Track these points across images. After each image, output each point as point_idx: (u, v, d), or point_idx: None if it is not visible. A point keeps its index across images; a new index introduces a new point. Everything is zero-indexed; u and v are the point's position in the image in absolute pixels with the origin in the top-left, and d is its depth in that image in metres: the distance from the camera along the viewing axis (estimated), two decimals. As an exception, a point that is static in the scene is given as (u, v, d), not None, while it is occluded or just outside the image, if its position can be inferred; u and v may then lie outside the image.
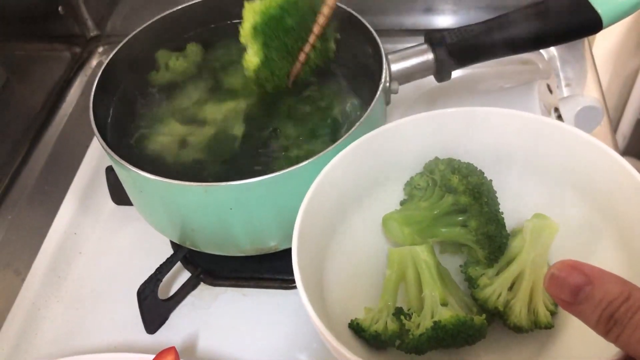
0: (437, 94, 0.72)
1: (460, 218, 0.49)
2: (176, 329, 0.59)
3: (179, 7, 0.65)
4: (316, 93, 0.59)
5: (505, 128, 0.51)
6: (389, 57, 0.58)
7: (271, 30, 0.50)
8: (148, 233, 0.63)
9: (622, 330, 0.29)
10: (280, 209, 0.52)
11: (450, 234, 0.50)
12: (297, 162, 0.48)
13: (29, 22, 0.82)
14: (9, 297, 0.64)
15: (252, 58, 0.52)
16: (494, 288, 0.47)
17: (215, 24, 0.68)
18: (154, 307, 0.59)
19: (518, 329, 0.46)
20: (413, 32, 0.83)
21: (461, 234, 0.49)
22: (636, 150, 1.25)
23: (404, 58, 0.58)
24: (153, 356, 0.52)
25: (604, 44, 1.07)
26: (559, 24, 0.56)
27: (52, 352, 0.59)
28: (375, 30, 0.58)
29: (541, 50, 0.79)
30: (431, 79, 0.61)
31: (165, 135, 0.59)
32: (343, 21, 0.58)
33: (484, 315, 0.45)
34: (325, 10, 0.51)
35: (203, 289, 0.62)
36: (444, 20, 0.85)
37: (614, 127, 1.23)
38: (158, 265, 0.59)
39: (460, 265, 0.51)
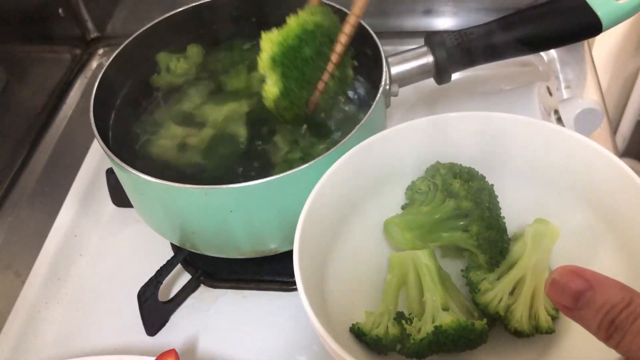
0: (437, 97, 0.72)
1: (461, 223, 0.50)
2: (176, 331, 0.59)
3: (180, 9, 0.65)
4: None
5: (506, 132, 0.51)
6: (389, 59, 0.58)
7: (289, 60, 0.50)
8: (148, 235, 0.63)
9: (623, 336, 0.29)
10: (280, 211, 0.52)
11: (451, 239, 0.50)
12: (298, 165, 0.48)
13: (30, 23, 0.82)
14: (9, 298, 0.64)
15: (271, 88, 0.51)
16: (495, 293, 0.47)
17: (216, 26, 0.68)
18: (155, 309, 0.59)
19: (519, 334, 0.46)
20: (413, 34, 0.83)
21: (462, 238, 0.49)
22: (636, 152, 1.25)
23: (404, 61, 0.58)
24: (153, 358, 0.52)
25: (604, 46, 1.07)
26: (559, 27, 0.56)
27: (52, 354, 0.59)
28: (375, 33, 0.58)
29: (541, 53, 0.80)
30: (431, 81, 0.61)
31: (166, 138, 0.59)
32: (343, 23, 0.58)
33: (485, 320, 0.45)
34: (343, 39, 0.51)
35: (203, 291, 0.62)
36: (444, 22, 0.85)
37: (614, 129, 1.23)
38: (158, 268, 0.59)
39: (462, 270, 0.51)
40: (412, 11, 0.84)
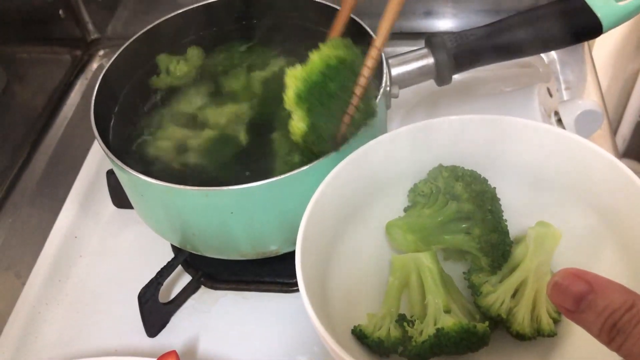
0: (437, 98, 0.72)
1: (463, 225, 0.50)
2: (177, 332, 0.59)
3: (180, 10, 0.65)
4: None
5: (508, 135, 0.51)
6: (390, 61, 0.58)
7: (315, 96, 0.50)
8: (149, 236, 0.63)
9: (625, 339, 0.29)
10: (281, 213, 0.52)
11: (453, 241, 0.50)
12: (298, 167, 0.48)
13: (30, 25, 0.82)
14: (9, 300, 0.64)
15: (298, 124, 0.51)
16: (497, 295, 0.47)
17: (216, 28, 0.68)
18: (155, 311, 0.59)
19: (521, 337, 0.46)
20: (413, 36, 0.83)
21: (465, 241, 0.49)
22: (636, 153, 1.26)
23: (404, 62, 0.59)
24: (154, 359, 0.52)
25: (604, 47, 1.07)
26: (559, 29, 0.56)
27: (53, 355, 0.59)
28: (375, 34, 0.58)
29: (541, 54, 0.80)
30: (431, 82, 0.61)
31: (166, 139, 0.59)
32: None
33: (486, 323, 0.45)
34: (366, 72, 0.51)
35: (204, 293, 0.62)
36: (444, 24, 0.85)
37: (614, 130, 1.23)
38: (159, 269, 0.59)
39: (464, 272, 0.51)
40: (413, 13, 0.84)
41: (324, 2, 0.63)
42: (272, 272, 0.61)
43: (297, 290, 0.60)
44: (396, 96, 0.59)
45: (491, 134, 0.51)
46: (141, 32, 0.63)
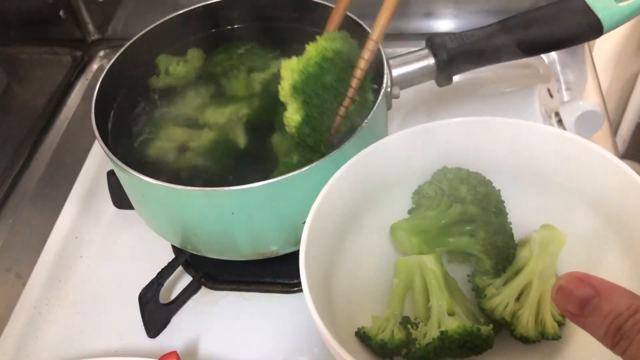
0: (438, 99, 0.72)
1: (468, 228, 0.50)
2: (177, 333, 0.59)
3: (180, 12, 0.65)
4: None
5: (512, 138, 0.51)
6: (390, 62, 0.58)
7: (310, 88, 0.50)
8: (149, 237, 0.63)
9: (629, 343, 0.28)
10: (282, 213, 0.52)
11: (457, 244, 0.50)
12: (299, 167, 0.48)
13: (30, 25, 0.82)
14: (10, 301, 0.64)
15: (293, 116, 0.51)
16: (501, 298, 0.47)
17: (216, 29, 0.68)
18: (156, 311, 0.59)
19: (525, 340, 0.46)
20: (414, 36, 0.83)
21: (469, 243, 0.49)
22: (636, 154, 1.26)
23: (405, 63, 0.58)
24: (155, 360, 0.52)
25: (604, 48, 1.07)
26: (559, 29, 0.56)
27: (53, 356, 0.59)
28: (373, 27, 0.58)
29: (541, 54, 0.80)
30: (432, 83, 0.61)
31: (166, 140, 0.59)
32: (343, 26, 0.58)
33: (490, 326, 0.45)
34: (362, 64, 0.51)
35: (204, 293, 0.62)
36: (445, 24, 0.85)
37: (614, 131, 1.23)
38: (159, 270, 0.59)
39: (468, 275, 0.51)
40: (413, 14, 0.84)
41: (324, 3, 0.63)
42: (272, 273, 0.61)
43: (298, 290, 0.61)
44: (397, 97, 0.59)
45: (496, 136, 0.51)
46: (141, 33, 0.63)
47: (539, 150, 0.50)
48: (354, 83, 0.51)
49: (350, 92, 0.51)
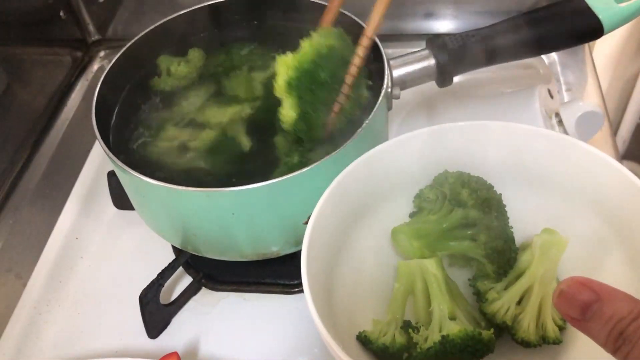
0: (438, 99, 0.72)
1: (469, 232, 0.49)
2: (178, 333, 0.59)
3: (181, 12, 0.65)
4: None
5: (513, 142, 0.51)
6: (391, 62, 0.58)
7: (305, 84, 0.50)
8: (150, 238, 0.63)
9: (631, 348, 0.28)
10: (282, 214, 0.52)
11: (459, 248, 0.50)
12: (300, 168, 0.48)
13: (31, 26, 0.82)
14: (10, 301, 0.64)
15: (288, 112, 0.52)
16: (502, 302, 0.47)
17: (217, 29, 0.68)
18: (156, 312, 0.59)
19: (526, 344, 0.46)
20: (414, 37, 0.84)
21: (470, 247, 0.49)
22: (636, 155, 1.26)
23: (405, 64, 0.58)
24: (155, 361, 0.52)
25: (604, 49, 1.07)
26: (560, 30, 0.56)
27: (54, 356, 0.59)
28: (377, 36, 0.58)
29: (542, 55, 0.80)
30: (432, 84, 0.61)
31: (167, 140, 0.59)
32: (344, 26, 0.58)
33: (492, 330, 0.45)
34: (357, 61, 0.51)
35: (205, 294, 0.62)
36: (445, 25, 0.85)
37: (614, 131, 1.23)
38: (160, 270, 0.59)
39: (469, 279, 0.51)
40: (414, 14, 0.84)
41: (323, 3, 0.63)
42: (273, 274, 0.61)
43: (298, 291, 0.61)
44: (397, 97, 0.59)
45: (497, 140, 0.51)
46: (142, 34, 0.63)
47: (540, 154, 0.50)
48: (348, 79, 0.51)
49: (345, 89, 0.51)
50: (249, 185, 0.48)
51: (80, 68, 0.90)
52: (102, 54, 0.93)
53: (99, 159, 0.78)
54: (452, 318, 0.46)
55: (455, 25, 0.85)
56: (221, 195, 0.49)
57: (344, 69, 0.52)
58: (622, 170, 0.45)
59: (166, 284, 0.59)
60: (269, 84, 0.62)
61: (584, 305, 0.30)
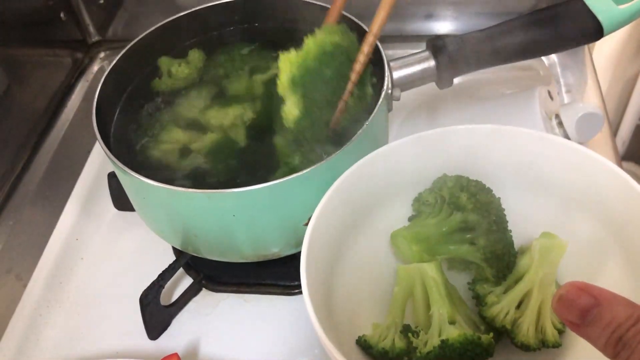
0: (438, 100, 0.72)
1: (468, 236, 0.49)
2: (178, 334, 0.59)
3: (181, 13, 0.65)
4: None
5: (512, 145, 0.51)
6: (391, 64, 0.58)
7: (309, 82, 0.50)
8: (150, 239, 0.63)
9: (630, 353, 0.28)
10: (283, 215, 0.52)
11: (458, 252, 0.50)
12: (301, 169, 0.48)
13: (31, 27, 0.82)
14: (10, 302, 0.64)
15: (291, 110, 0.51)
16: (501, 306, 0.47)
17: (218, 30, 0.68)
18: (156, 313, 0.59)
19: (525, 348, 0.46)
20: (414, 38, 0.84)
21: (469, 251, 0.49)
22: (636, 156, 1.26)
23: (405, 65, 0.58)
24: (156, 362, 0.52)
25: (604, 50, 1.07)
26: (560, 32, 0.56)
27: (54, 358, 0.59)
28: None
29: (542, 57, 0.80)
30: (433, 85, 0.61)
31: (167, 142, 0.59)
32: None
33: (491, 334, 0.45)
34: (362, 58, 0.51)
35: (205, 295, 0.62)
36: (445, 26, 0.85)
37: (614, 132, 1.23)
38: (160, 271, 0.59)
39: (468, 283, 0.51)
40: (414, 16, 0.84)
41: (324, 4, 0.63)
42: (273, 275, 0.61)
43: (299, 292, 0.61)
44: (397, 99, 0.59)
45: (496, 143, 0.51)
46: (143, 35, 0.63)
47: (540, 157, 0.50)
48: (354, 77, 0.51)
49: (350, 86, 0.51)
50: (249, 187, 0.48)
51: (80, 69, 0.91)
52: (102, 55, 0.93)
53: (99, 160, 0.78)
54: (452, 322, 0.46)
55: (455, 26, 0.85)
56: (222, 197, 0.49)
57: (348, 66, 0.51)
58: (622, 175, 0.45)
59: (166, 285, 0.59)
60: (269, 85, 0.62)
61: (583, 310, 0.30)
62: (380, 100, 0.53)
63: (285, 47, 0.65)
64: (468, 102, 0.72)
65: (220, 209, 0.51)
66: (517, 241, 0.51)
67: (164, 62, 0.65)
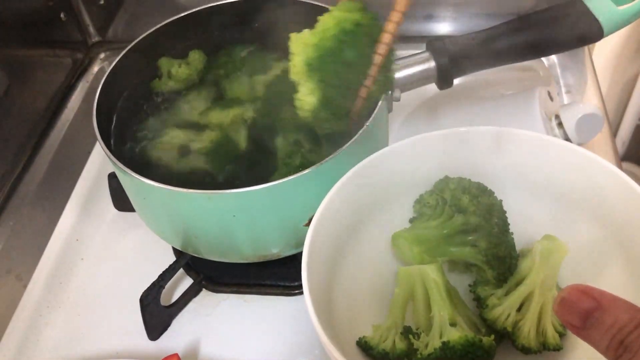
0: (438, 101, 0.72)
1: (469, 238, 0.49)
2: (178, 335, 0.59)
3: (181, 14, 0.66)
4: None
5: (513, 148, 0.51)
6: (391, 65, 0.58)
7: (328, 65, 0.44)
8: (150, 239, 0.63)
9: (632, 356, 0.28)
10: (283, 216, 0.52)
11: (459, 254, 0.50)
12: (301, 170, 0.48)
13: (31, 27, 0.82)
14: (11, 303, 0.64)
15: (307, 98, 0.45)
16: (502, 308, 0.47)
17: (218, 31, 0.68)
18: (157, 314, 0.59)
19: (526, 350, 0.46)
20: (414, 39, 0.84)
21: (471, 253, 0.49)
22: (635, 156, 1.26)
23: (405, 66, 0.58)
24: (156, 363, 0.52)
25: (604, 51, 1.07)
26: (560, 33, 0.56)
27: (54, 358, 0.59)
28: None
29: (541, 58, 0.80)
30: (433, 86, 0.61)
31: (168, 142, 0.59)
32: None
33: (492, 336, 0.45)
34: (386, 39, 0.45)
35: (205, 296, 0.62)
36: (445, 27, 0.85)
37: (613, 133, 1.23)
38: (160, 272, 0.59)
39: (469, 285, 0.51)
40: (414, 16, 0.84)
41: (324, 5, 0.63)
42: (273, 275, 0.61)
43: (299, 293, 0.61)
44: (398, 99, 0.59)
45: (497, 145, 0.51)
46: (143, 36, 0.64)
47: (541, 160, 0.50)
48: (378, 59, 0.45)
49: (373, 70, 0.45)
50: (250, 187, 0.48)
51: (80, 70, 0.91)
52: (102, 55, 0.93)
53: (99, 161, 0.78)
54: (453, 324, 0.45)
55: (455, 27, 0.85)
56: (222, 197, 0.49)
57: (371, 48, 0.45)
58: (623, 177, 0.46)
59: (167, 286, 0.59)
60: (269, 86, 0.62)
61: (585, 313, 0.30)
62: (381, 101, 0.53)
63: (285, 47, 0.65)
64: (468, 103, 0.72)
65: (220, 210, 0.51)
66: (519, 243, 0.51)
67: (164, 62, 0.65)
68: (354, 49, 0.44)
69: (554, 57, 0.81)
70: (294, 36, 0.45)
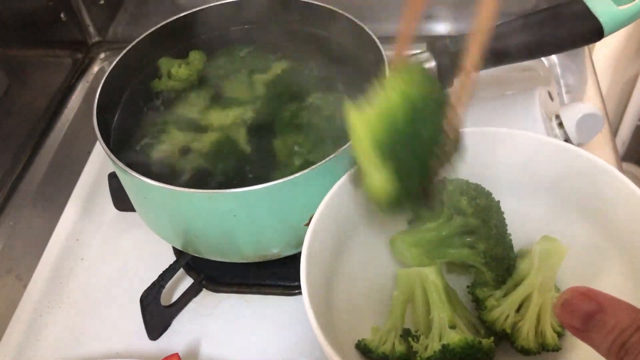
0: (438, 101, 0.72)
1: (468, 239, 0.49)
2: (179, 335, 0.59)
3: (181, 14, 0.66)
4: (319, 101, 0.59)
5: (512, 149, 0.51)
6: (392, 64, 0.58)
7: (404, 149, 0.38)
8: (151, 239, 0.63)
9: (633, 358, 0.28)
10: (283, 216, 0.52)
11: (458, 255, 0.50)
12: (300, 170, 0.48)
13: (31, 27, 0.82)
14: (11, 303, 0.64)
15: (381, 184, 0.39)
16: (501, 310, 0.47)
17: (218, 31, 0.68)
18: (157, 314, 0.59)
19: (526, 351, 0.46)
20: (415, 39, 0.83)
21: (469, 255, 0.49)
22: (635, 156, 1.26)
23: (406, 66, 0.58)
24: (156, 363, 0.52)
25: (604, 51, 1.07)
26: (561, 33, 0.56)
27: (54, 358, 0.59)
28: (377, 37, 0.58)
29: (542, 57, 0.80)
30: (433, 86, 0.61)
31: (168, 142, 0.59)
32: (345, 28, 0.58)
33: (492, 338, 0.45)
34: (460, 107, 0.39)
35: (205, 295, 0.62)
36: (445, 27, 0.85)
37: (613, 133, 1.23)
38: (161, 272, 0.59)
39: (468, 286, 0.51)
40: (414, 16, 0.84)
41: (325, 5, 0.63)
42: (273, 275, 0.61)
43: (299, 293, 0.61)
44: (398, 100, 0.58)
45: (495, 146, 0.51)
46: (143, 36, 0.64)
47: (540, 161, 0.50)
48: (452, 133, 0.39)
49: (449, 146, 0.39)
50: (250, 187, 0.48)
51: (80, 70, 0.90)
52: (102, 55, 0.93)
53: (99, 161, 0.78)
54: (452, 326, 0.45)
55: (455, 27, 0.85)
56: (223, 197, 0.49)
57: (441, 117, 0.39)
58: (622, 179, 0.45)
59: (167, 286, 0.59)
60: (269, 86, 0.62)
61: (586, 315, 0.30)
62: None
63: (285, 47, 0.65)
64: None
65: (221, 209, 0.51)
66: (517, 245, 0.51)
67: (164, 63, 0.65)
68: (430, 127, 0.38)
69: (554, 57, 0.81)
70: (354, 115, 0.39)
